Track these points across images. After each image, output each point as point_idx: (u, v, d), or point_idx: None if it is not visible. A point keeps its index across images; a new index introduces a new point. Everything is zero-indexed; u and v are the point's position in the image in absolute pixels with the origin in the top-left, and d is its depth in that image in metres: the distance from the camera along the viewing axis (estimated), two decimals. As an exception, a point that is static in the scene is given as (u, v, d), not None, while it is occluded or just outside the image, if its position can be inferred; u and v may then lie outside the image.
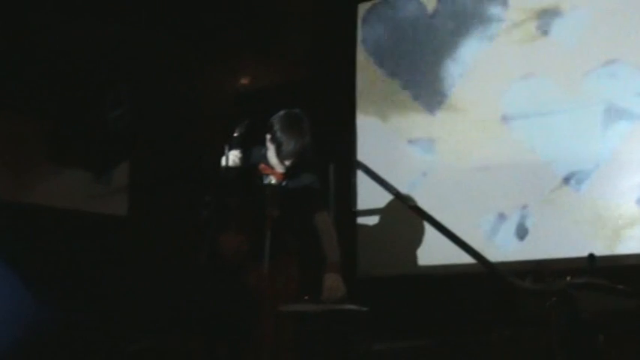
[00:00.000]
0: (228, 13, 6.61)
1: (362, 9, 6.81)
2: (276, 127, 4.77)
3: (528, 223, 5.84)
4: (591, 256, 5.23)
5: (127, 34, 6.14)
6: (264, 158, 4.84)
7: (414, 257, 6.16)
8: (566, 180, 5.75)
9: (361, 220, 6.49)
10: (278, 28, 6.83)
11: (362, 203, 6.52)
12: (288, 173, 4.80)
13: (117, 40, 6.06)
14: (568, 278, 4.45)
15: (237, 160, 4.75)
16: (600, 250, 5.26)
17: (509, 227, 5.91)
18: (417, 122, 6.41)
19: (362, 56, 6.74)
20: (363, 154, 6.53)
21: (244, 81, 6.97)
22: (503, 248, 5.88)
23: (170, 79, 6.50)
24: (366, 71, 6.72)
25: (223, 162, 4.72)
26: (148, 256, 6.09)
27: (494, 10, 6.21)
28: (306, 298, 4.55)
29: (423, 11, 6.55)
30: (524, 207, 5.85)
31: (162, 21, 6.37)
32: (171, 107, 6.49)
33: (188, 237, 5.13)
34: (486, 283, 5.43)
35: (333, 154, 6.18)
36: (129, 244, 6.14)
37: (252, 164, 4.84)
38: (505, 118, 6.04)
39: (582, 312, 4.30)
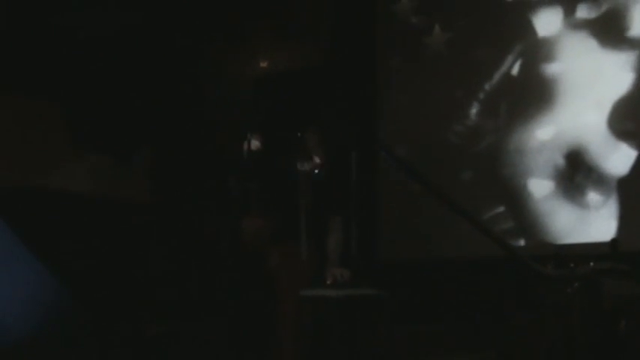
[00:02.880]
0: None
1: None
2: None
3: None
4: (614, 240, 5.21)
5: (145, 19, 6.15)
6: (303, 142, 4.80)
7: (436, 242, 6.16)
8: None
9: (384, 204, 6.50)
10: (298, 12, 6.81)
11: (385, 187, 6.54)
12: (324, 164, 4.79)
13: (136, 25, 6.06)
14: (591, 264, 4.42)
15: (259, 144, 4.74)
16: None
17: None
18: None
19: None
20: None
21: (264, 65, 6.96)
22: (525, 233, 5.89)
23: (191, 64, 6.50)
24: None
25: (245, 147, 4.72)
26: (170, 241, 6.11)
27: None
28: (328, 282, 4.54)
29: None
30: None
31: (181, 5, 6.37)
32: (192, 92, 6.49)
33: (210, 222, 5.15)
34: (508, 268, 5.41)
35: (354, 138, 6.16)
36: (151, 229, 6.16)
37: (278, 148, 4.83)
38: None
39: (605, 298, 4.27)
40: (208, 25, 6.64)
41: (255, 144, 4.77)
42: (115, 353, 4.91)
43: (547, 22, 6.18)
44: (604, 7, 5.96)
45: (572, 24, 6.08)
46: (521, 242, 6.00)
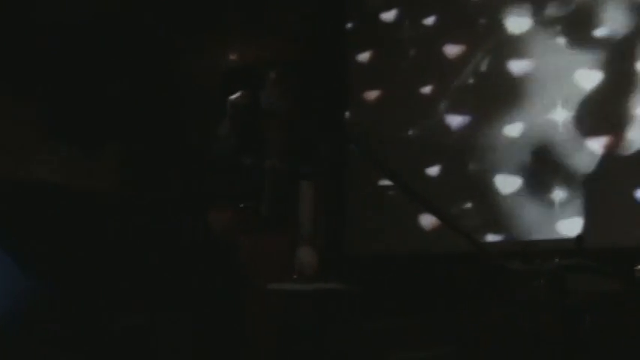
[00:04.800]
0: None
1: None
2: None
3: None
4: (579, 237, 5.25)
5: (115, 11, 6.10)
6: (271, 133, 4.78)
7: (404, 237, 6.19)
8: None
9: (352, 198, 6.50)
10: (269, 4, 6.79)
11: (353, 181, 6.55)
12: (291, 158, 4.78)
13: (106, 17, 6.02)
14: (557, 260, 4.46)
15: (228, 138, 4.73)
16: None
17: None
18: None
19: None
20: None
21: (234, 57, 6.93)
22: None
23: (160, 55, 6.46)
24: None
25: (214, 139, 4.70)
26: (138, 233, 6.08)
27: None
28: (295, 277, 4.55)
29: None
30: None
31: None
32: (161, 83, 6.45)
33: (179, 214, 5.12)
34: (475, 264, 5.44)
35: (324, 131, 6.17)
36: (119, 221, 6.11)
37: (246, 142, 4.81)
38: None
39: (570, 293, 4.32)
40: (178, 17, 6.60)
41: (223, 137, 4.75)
42: (82, 346, 4.88)
43: (516, 20, 6.22)
44: (572, 6, 6.01)
45: (541, 22, 6.13)
46: (489, 238, 6.04)
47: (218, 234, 4.74)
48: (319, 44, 6.75)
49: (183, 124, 6.35)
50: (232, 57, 6.91)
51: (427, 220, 6.13)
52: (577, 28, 5.99)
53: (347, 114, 6.77)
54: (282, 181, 4.72)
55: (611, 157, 5.74)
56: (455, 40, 6.45)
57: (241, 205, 4.64)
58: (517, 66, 6.17)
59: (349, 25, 6.96)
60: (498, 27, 6.27)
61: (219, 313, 4.67)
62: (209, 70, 6.80)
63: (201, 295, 4.67)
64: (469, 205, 6.14)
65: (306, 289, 4.46)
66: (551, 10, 6.10)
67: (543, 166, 5.92)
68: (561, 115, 5.94)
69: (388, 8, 6.79)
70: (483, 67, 6.28)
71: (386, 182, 6.21)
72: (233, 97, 4.75)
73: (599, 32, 5.90)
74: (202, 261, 4.72)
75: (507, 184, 6.05)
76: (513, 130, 6.10)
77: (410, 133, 6.50)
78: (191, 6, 6.56)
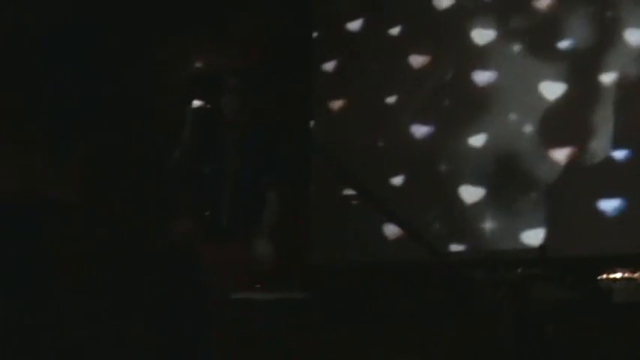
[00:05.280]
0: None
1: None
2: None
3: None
4: (542, 247, 5.28)
5: (80, 17, 6.05)
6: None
7: (367, 246, 6.18)
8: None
9: (316, 207, 6.49)
10: (234, 12, 6.77)
11: (318, 190, 6.54)
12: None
13: (71, 22, 5.97)
14: (520, 269, 4.48)
15: (190, 145, 4.69)
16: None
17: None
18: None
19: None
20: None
21: (198, 65, 6.90)
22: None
23: (124, 63, 6.41)
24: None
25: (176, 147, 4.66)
26: (100, 241, 6.02)
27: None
28: (258, 286, 4.52)
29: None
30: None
31: (112, 2, 6.29)
32: (124, 92, 6.41)
33: (143, 222, 5.08)
34: (439, 273, 5.45)
35: (288, 139, 6.15)
36: (81, 229, 6.05)
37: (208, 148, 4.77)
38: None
39: (533, 302, 4.33)
40: (144, 24, 6.56)
41: (185, 145, 4.71)
42: (36, 354, 4.81)
43: (481, 31, 6.25)
44: (537, 18, 6.05)
45: (505, 33, 6.16)
46: (452, 247, 6.04)
47: (178, 243, 4.69)
48: (284, 53, 6.73)
49: (145, 131, 6.31)
50: (195, 64, 6.88)
51: (391, 230, 6.12)
52: (541, 40, 6.03)
53: (312, 123, 6.75)
54: (243, 189, 4.69)
55: (573, 168, 5.77)
56: (420, 51, 6.47)
57: (207, 214, 4.60)
58: (481, 77, 6.20)
59: (315, 34, 6.96)
60: (463, 38, 6.29)
61: (179, 322, 4.62)
62: (172, 78, 6.77)
63: (160, 305, 4.62)
64: (433, 214, 6.14)
65: (267, 298, 4.44)
66: (515, 22, 6.13)
67: (507, 176, 5.94)
68: (525, 126, 5.96)
69: (354, 18, 6.79)
70: (448, 78, 6.30)
71: (350, 191, 6.20)
72: (195, 104, 4.71)
73: (563, 44, 5.94)
74: (162, 270, 4.67)
75: (471, 193, 6.06)
76: (477, 140, 6.11)
77: (375, 142, 6.49)
78: (155, 14, 6.52)
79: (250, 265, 4.82)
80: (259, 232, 4.74)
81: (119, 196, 6.18)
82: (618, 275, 4.61)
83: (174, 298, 4.61)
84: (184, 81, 6.75)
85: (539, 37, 6.03)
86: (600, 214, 5.63)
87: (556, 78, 5.91)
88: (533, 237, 5.76)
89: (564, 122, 5.85)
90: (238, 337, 4.62)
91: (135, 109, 6.50)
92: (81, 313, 5.50)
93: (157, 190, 4.61)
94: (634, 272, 4.50)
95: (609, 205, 5.62)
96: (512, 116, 6.02)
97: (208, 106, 4.73)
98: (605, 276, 4.63)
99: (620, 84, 5.72)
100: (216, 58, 6.79)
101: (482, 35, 6.24)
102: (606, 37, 5.79)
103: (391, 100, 6.51)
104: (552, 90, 5.92)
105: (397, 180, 6.37)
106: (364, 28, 6.76)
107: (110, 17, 6.30)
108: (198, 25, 6.66)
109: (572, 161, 5.79)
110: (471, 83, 6.22)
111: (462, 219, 6.05)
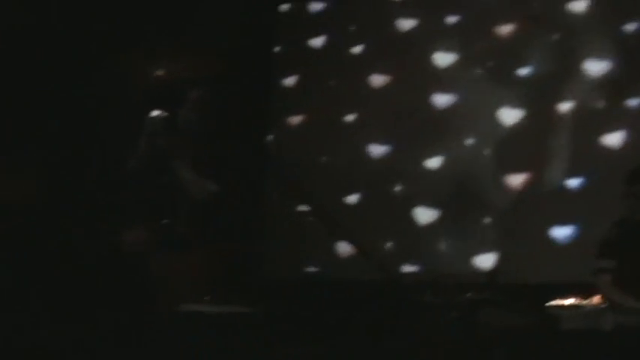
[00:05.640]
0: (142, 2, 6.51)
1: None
2: None
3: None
4: (493, 271, 5.29)
5: (39, 22, 6.00)
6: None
7: (318, 262, 6.16)
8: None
9: (270, 222, 6.46)
10: (195, 23, 6.74)
11: (272, 205, 6.50)
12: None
13: (33, 29, 5.91)
14: (470, 294, 4.47)
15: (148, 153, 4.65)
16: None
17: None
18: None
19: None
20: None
21: (157, 75, 6.86)
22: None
23: (82, 70, 6.36)
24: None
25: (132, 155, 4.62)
26: (53, 243, 5.93)
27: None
28: (207, 298, 4.47)
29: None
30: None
31: (73, 8, 6.23)
32: (82, 99, 6.35)
33: (95, 227, 5.01)
34: (388, 293, 5.43)
35: (246, 150, 6.13)
36: (35, 231, 5.96)
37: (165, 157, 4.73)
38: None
39: (481, 327, 4.32)
40: (104, 31, 6.51)
41: (141, 154, 4.67)
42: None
43: (442, 55, 6.27)
44: (498, 45, 6.09)
45: (467, 58, 6.19)
46: (404, 268, 6.04)
47: (128, 251, 4.64)
48: (245, 66, 6.70)
49: (101, 139, 6.25)
50: (154, 74, 6.83)
51: (343, 248, 6.11)
52: (502, 66, 6.07)
53: (269, 137, 6.72)
54: (196, 199, 4.66)
55: (527, 194, 5.81)
56: (381, 71, 6.48)
57: (164, 222, 4.56)
58: (441, 100, 6.22)
59: (277, 48, 6.94)
60: (425, 60, 6.31)
61: (125, 331, 4.55)
62: (131, 86, 6.72)
63: (106, 313, 4.55)
64: (386, 234, 6.13)
65: (216, 312, 4.39)
66: (477, 47, 6.17)
67: (462, 200, 5.96)
68: (482, 151, 5.99)
69: (317, 35, 6.79)
70: (407, 99, 6.30)
71: (304, 207, 6.17)
72: (152, 114, 4.68)
73: (523, 71, 5.99)
74: (109, 279, 4.60)
75: (425, 215, 6.07)
76: (434, 162, 6.13)
77: (331, 160, 6.48)
78: (117, 21, 6.47)
79: (200, 277, 4.79)
80: (211, 243, 4.71)
81: (72, 202, 6.11)
82: (567, 302, 4.63)
83: (119, 307, 4.54)
84: (142, 90, 6.70)
85: (499, 63, 6.07)
86: (552, 241, 5.67)
87: (514, 104, 5.94)
88: (485, 261, 5.78)
89: (521, 148, 5.88)
90: (184, 351, 4.56)
91: (91, 116, 6.44)
92: (25, 317, 5.41)
93: (111, 198, 4.55)
94: (583, 299, 4.51)
95: (561, 232, 5.67)
96: (470, 140, 6.05)
97: (165, 115, 4.70)
98: (554, 302, 4.64)
99: (576, 113, 5.77)
100: (175, 69, 6.75)
101: (443, 58, 6.26)
102: (566, 66, 5.84)
103: (350, 118, 6.51)
104: (510, 116, 5.96)
105: (352, 198, 6.36)
106: (326, 45, 6.75)
107: (69, 24, 6.25)
108: (157, 35, 6.61)
109: (526, 187, 5.83)
110: (430, 105, 6.24)
111: (415, 240, 6.05)
